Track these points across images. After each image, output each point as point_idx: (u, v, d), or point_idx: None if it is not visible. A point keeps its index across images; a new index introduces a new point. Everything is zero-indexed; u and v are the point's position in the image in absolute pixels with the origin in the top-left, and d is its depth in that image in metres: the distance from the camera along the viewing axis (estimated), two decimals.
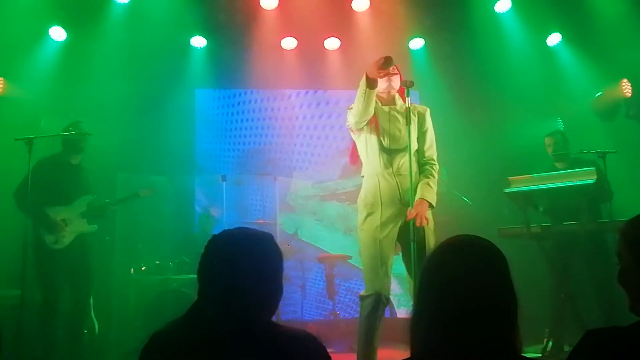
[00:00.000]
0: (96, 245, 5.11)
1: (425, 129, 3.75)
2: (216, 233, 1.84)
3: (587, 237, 4.61)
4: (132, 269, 5.91)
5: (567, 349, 4.85)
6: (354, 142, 3.83)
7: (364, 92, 3.45)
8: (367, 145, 3.66)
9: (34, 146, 4.66)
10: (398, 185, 3.58)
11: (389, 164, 3.61)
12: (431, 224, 3.59)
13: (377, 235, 3.53)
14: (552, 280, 4.93)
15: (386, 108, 3.68)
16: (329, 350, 1.75)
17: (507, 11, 6.80)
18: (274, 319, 1.81)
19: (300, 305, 6.51)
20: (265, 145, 7.36)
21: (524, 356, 1.53)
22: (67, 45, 6.55)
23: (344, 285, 6.57)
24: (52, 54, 6.52)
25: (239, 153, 7.30)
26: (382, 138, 3.61)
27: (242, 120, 7.51)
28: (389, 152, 3.61)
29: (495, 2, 6.75)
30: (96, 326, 5.36)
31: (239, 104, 7.56)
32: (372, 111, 3.55)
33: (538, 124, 6.54)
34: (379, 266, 3.49)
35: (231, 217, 6.25)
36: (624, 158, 5.46)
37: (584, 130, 6.23)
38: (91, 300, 5.26)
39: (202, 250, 1.79)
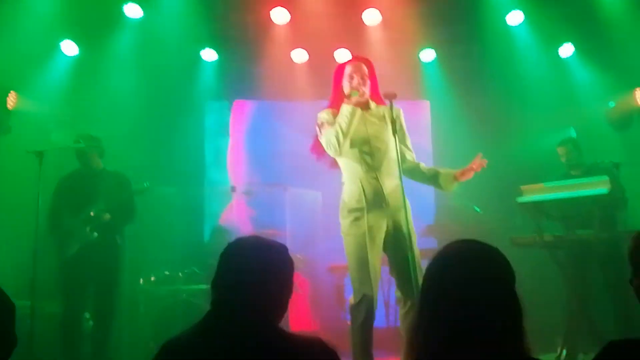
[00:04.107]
0: (105, 256, 5.04)
1: (404, 129, 3.75)
2: (230, 242, 1.85)
3: (601, 246, 4.56)
4: (141, 280, 5.90)
5: (581, 357, 4.80)
6: (316, 137, 3.75)
7: (351, 113, 3.45)
8: (344, 153, 3.55)
9: (44, 158, 4.70)
10: (382, 188, 3.52)
11: (371, 167, 3.54)
12: (414, 237, 3.49)
13: (364, 240, 3.45)
14: (565, 289, 4.87)
15: (359, 112, 3.57)
16: None
17: (519, 23, 6.77)
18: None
19: (310, 315, 6.47)
20: (275, 156, 7.36)
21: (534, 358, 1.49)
22: (78, 59, 6.61)
23: None
24: (63, 68, 6.58)
25: (249, 164, 7.30)
26: (359, 143, 3.54)
27: (252, 132, 7.53)
28: (371, 156, 3.54)
29: (507, 14, 6.72)
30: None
31: (249, 116, 7.58)
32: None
33: (551, 134, 6.50)
34: (368, 271, 3.41)
35: (241, 227, 6.23)
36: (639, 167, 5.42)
37: (598, 140, 6.18)
38: None
39: (211, 261, 1.80)
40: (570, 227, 4.86)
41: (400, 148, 3.56)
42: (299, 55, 7.21)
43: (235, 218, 6.16)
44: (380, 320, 6.27)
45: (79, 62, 6.62)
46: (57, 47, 6.50)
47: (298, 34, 6.94)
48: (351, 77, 3.62)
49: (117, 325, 5.48)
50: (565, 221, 4.97)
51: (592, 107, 6.64)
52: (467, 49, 7.08)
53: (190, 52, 6.99)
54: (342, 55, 7.25)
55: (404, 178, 3.54)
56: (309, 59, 7.26)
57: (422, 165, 3.76)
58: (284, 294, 1.80)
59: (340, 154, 3.53)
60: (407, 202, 3.44)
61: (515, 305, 1.50)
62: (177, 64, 6.90)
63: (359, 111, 3.52)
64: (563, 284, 4.84)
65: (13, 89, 6.01)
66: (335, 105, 3.69)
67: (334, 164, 3.76)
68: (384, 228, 3.54)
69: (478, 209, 6.30)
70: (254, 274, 1.74)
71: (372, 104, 3.70)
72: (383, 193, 3.52)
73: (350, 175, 3.61)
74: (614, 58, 6.43)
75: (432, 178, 3.69)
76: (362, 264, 3.44)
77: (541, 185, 4.68)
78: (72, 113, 6.32)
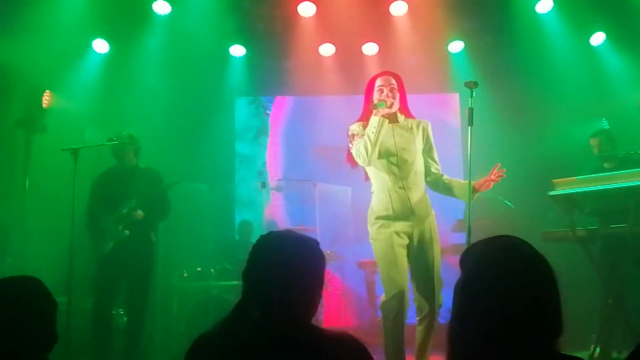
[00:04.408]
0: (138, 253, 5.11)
1: (431, 142, 3.85)
2: (263, 235, 1.86)
3: (636, 240, 4.47)
4: (174, 276, 5.99)
5: (615, 355, 4.72)
6: (349, 148, 3.84)
7: (379, 124, 3.56)
8: (375, 163, 3.68)
9: (79, 156, 4.78)
10: (409, 198, 3.63)
11: (398, 178, 3.65)
12: (437, 247, 3.67)
13: (391, 241, 3.58)
14: (599, 285, 4.79)
15: (389, 125, 3.69)
16: None
17: (549, 12, 6.67)
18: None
19: (341, 311, 6.49)
20: (304, 151, 7.38)
21: (566, 354, 1.48)
22: (109, 57, 6.72)
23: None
24: (95, 66, 6.70)
25: (279, 160, 7.34)
26: (388, 154, 3.66)
27: (281, 127, 7.56)
28: (398, 167, 3.66)
29: (537, 3, 6.62)
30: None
31: (278, 111, 7.61)
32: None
33: (583, 125, 6.40)
34: (397, 270, 3.54)
35: (271, 223, 6.28)
36: None
37: (632, 130, 6.06)
38: None
39: (243, 257, 1.80)
40: (604, 221, 4.78)
41: (426, 161, 3.78)
42: (327, 49, 7.21)
43: (266, 214, 6.20)
44: (413, 317, 6.30)
45: (110, 60, 6.73)
46: (89, 46, 6.60)
47: (325, 27, 6.93)
48: (381, 91, 3.73)
49: (151, 321, 5.57)
50: (599, 215, 4.90)
51: (625, 96, 6.52)
52: (495, 39, 7.01)
53: (219, 47, 7.03)
54: (370, 49, 7.23)
55: (428, 190, 3.78)
56: (336, 53, 7.24)
57: (445, 177, 3.84)
58: (316, 290, 1.79)
59: (369, 163, 3.65)
60: (432, 212, 3.68)
61: (553, 302, 1.49)
62: (206, 60, 6.96)
63: (386, 122, 3.62)
64: (597, 280, 4.76)
65: (48, 88, 6.11)
66: (365, 118, 3.78)
67: (367, 176, 3.86)
68: (409, 237, 3.65)
69: (509, 204, 6.23)
70: (286, 268, 1.74)
71: (401, 117, 3.81)
72: (410, 203, 3.63)
73: (378, 184, 3.72)
74: None
75: (451, 190, 3.79)
76: (391, 263, 3.56)
77: (574, 178, 4.61)
78: (105, 110, 6.43)
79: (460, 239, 5.78)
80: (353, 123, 3.85)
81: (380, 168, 3.69)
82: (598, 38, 6.81)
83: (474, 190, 3.66)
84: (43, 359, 1.92)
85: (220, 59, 7.14)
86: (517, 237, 1.59)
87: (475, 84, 3.66)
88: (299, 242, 1.82)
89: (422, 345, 3.59)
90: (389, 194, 3.65)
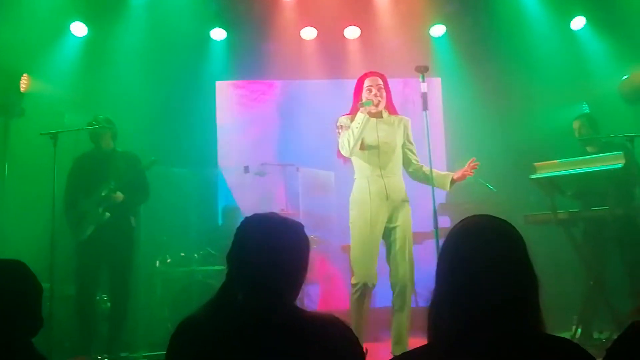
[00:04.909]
0: (118, 236, 5.07)
1: (410, 136, 4.30)
2: (247, 217, 1.85)
3: (617, 222, 4.53)
4: (157, 262, 5.96)
5: (596, 335, 4.81)
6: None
7: (362, 121, 3.97)
8: (356, 153, 4.11)
9: (58, 140, 4.73)
10: (385, 186, 4.07)
11: (377, 167, 4.09)
12: (409, 231, 4.14)
13: (366, 231, 4.03)
14: (581, 267, 4.86)
15: (373, 120, 4.11)
16: None
17: None
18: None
19: (324, 295, 6.52)
20: (287, 135, 7.36)
21: (549, 334, 1.50)
22: (88, 40, 6.60)
23: None
24: (73, 49, 6.57)
25: (261, 144, 7.31)
26: (370, 146, 4.09)
27: (263, 111, 7.52)
28: (378, 157, 4.10)
29: None
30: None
31: (259, 94, 7.57)
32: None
33: (563, 109, 6.45)
34: (367, 260, 4.02)
35: (254, 208, 6.25)
36: None
37: (612, 114, 6.11)
38: None
39: (226, 242, 1.80)
40: (585, 204, 4.84)
41: (407, 153, 4.26)
42: (308, 33, 7.16)
43: (248, 199, 6.17)
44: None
45: (88, 43, 6.60)
46: (67, 29, 6.48)
47: (307, 10, 6.89)
48: (369, 90, 4.16)
49: (134, 307, 5.55)
50: (580, 198, 4.96)
51: (605, 80, 6.55)
52: (476, 22, 7.01)
53: (199, 31, 6.95)
54: (352, 32, 7.20)
55: (409, 180, 4.31)
56: (318, 36, 7.20)
57: (425, 167, 4.21)
58: (300, 272, 1.79)
59: (350, 154, 4.09)
60: (407, 199, 4.16)
61: (529, 277, 1.51)
62: (186, 44, 6.87)
63: (370, 120, 4.04)
64: (579, 262, 4.82)
65: (25, 72, 6.01)
66: (353, 112, 4.18)
67: (345, 160, 4.29)
68: (384, 219, 4.07)
69: (492, 187, 6.27)
70: (271, 250, 1.73)
71: (385, 113, 4.24)
72: (386, 190, 4.07)
73: (359, 172, 4.18)
74: (627, 30, 6.35)
75: (430, 179, 4.11)
76: (363, 251, 4.04)
77: (555, 161, 4.66)
78: (84, 94, 6.32)
79: (442, 223, 5.80)
80: (342, 115, 4.23)
81: (361, 157, 4.12)
82: (578, 22, 6.84)
83: (452, 180, 4.16)
84: (28, 344, 1.90)
85: (200, 43, 7.05)
86: (490, 215, 1.61)
87: (426, 68, 4.05)
88: (283, 224, 1.81)
89: (399, 326, 4.03)
90: (368, 181, 4.09)
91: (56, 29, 6.41)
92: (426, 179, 4.17)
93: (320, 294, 6.53)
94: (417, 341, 1.59)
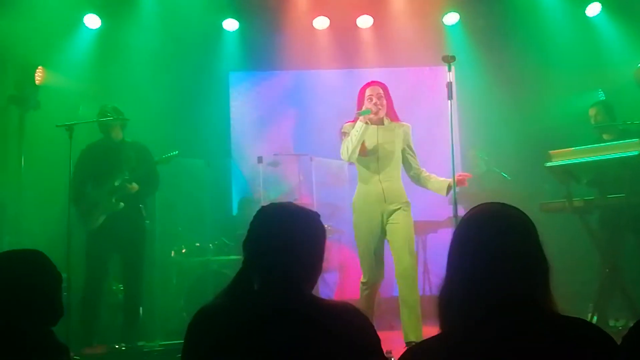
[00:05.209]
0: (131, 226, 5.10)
1: (411, 144, 4.46)
2: (264, 205, 1.86)
3: (632, 210, 4.50)
4: (172, 252, 6.00)
5: (612, 323, 4.78)
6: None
7: (360, 129, 4.14)
8: (358, 159, 4.31)
9: (74, 132, 4.76)
10: (383, 190, 4.26)
11: (376, 173, 4.29)
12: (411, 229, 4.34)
13: (369, 233, 4.27)
14: (596, 255, 4.82)
15: (374, 127, 4.31)
16: None
17: None
18: None
19: (339, 285, 6.53)
20: (300, 125, 7.35)
21: (564, 315, 1.49)
22: (102, 32, 6.63)
23: None
24: (87, 41, 6.61)
25: (275, 134, 7.31)
26: (371, 151, 4.28)
27: (276, 102, 7.52)
28: (378, 163, 4.29)
29: None
30: (140, 308, 5.48)
31: (272, 85, 7.57)
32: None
33: (579, 96, 6.39)
34: (372, 259, 4.26)
35: (268, 198, 6.27)
36: None
37: (628, 101, 6.04)
38: None
39: (241, 232, 1.81)
40: (601, 192, 4.80)
41: (407, 158, 4.43)
42: (321, 23, 7.14)
43: (262, 189, 6.19)
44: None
45: (102, 35, 6.64)
46: (81, 21, 6.51)
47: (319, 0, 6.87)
48: (370, 99, 4.34)
49: (150, 297, 5.60)
50: (596, 185, 4.92)
51: (621, 67, 6.48)
52: (490, 9, 6.96)
53: (212, 21, 6.96)
54: (365, 22, 7.17)
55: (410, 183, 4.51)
56: (330, 26, 7.17)
57: (424, 172, 4.46)
58: (316, 261, 1.80)
59: (348, 159, 4.31)
60: (407, 200, 4.33)
61: (541, 264, 1.51)
62: (199, 35, 6.89)
63: (369, 127, 4.22)
64: (594, 250, 4.79)
65: (40, 65, 6.06)
66: (356, 120, 4.33)
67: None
68: (385, 221, 4.28)
69: (507, 176, 6.24)
70: (288, 239, 1.74)
71: (387, 120, 4.41)
72: (384, 193, 4.26)
73: (360, 177, 4.40)
74: None
75: (428, 184, 4.44)
76: (367, 252, 4.28)
77: (570, 149, 4.63)
78: (98, 86, 6.37)
79: (459, 212, 5.78)
80: (346, 122, 4.42)
81: (361, 163, 4.34)
82: (594, 9, 6.77)
83: (449, 186, 4.30)
84: (48, 332, 1.93)
85: (213, 34, 7.06)
86: (500, 202, 1.61)
87: (453, 58, 4.17)
88: (300, 213, 1.82)
89: (409, 316, 4.16)
90: (367, 186, 4.31)
91: (70, 21, 6.45)
92: (425, 183, 4.45)
93: (333, 278, 6.54)
94: (433, 328, 1.60)
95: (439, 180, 4.38)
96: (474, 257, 1.51)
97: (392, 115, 4.46)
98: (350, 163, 4.44)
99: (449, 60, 4.14)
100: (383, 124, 4.39)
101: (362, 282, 4.32)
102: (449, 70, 4.15)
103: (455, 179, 4.23)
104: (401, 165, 4.41)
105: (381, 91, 4.38)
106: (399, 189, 4.34)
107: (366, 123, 4.19)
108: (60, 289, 1.97)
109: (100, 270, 5.01)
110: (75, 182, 4.98)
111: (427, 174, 4.42)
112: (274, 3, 6.90)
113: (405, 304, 4.18)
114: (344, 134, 4.33)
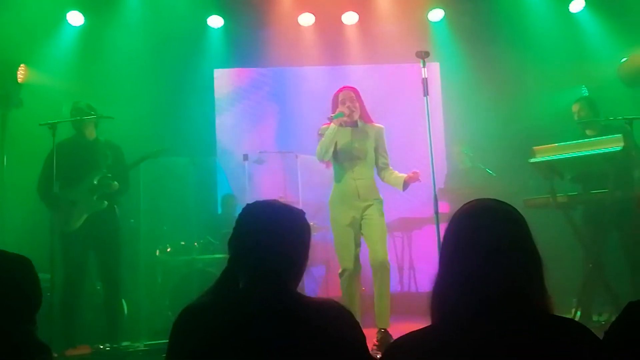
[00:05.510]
0: (121, 227, 5.07)
1: (383, 144, 4.69)
2: (249, 203, 1.86)
3: (616, 205, 4.53)
4: (157, 251, 5.97)
5: (595, 318, 4.82)
6: None
7: (333, 131, 4.43)
8: (333, 159, 4.58)
9: (57, 130, 4.71)
10: (357, 188, 4.50)
11: (350, 171, 4.53)
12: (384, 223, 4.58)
13: (343, 227, 4.49)
14: (580, 250, 4.86)
15: (348, 129, 4.57)
16: None
17: None
18: None
19: (325, 281, 6.53)
20: (286, 122, 7.35)
21: (556, 315, 1.51)
22: (85, 29, 6.58)
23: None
24: (70, 39, 6.56)
25: (260, 131, 7.29)
26: (346, 152, 4.52)
27: (261, 99, 7.50)
28: (353, 161, 4.53)
29: None
30: (125, 308, 5.45)
31: (257, 82, 7.55)
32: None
33: (563, 92, 6.43)
34: (347, 250, 4.48)
35: (254, 195, 6.25)
36: None
37: (611, 97, 6.10)
38: None
39: (226, 230, 1.80)
40: (584, 187, 4.84)
41: (377, 157, 4.65)
42: (306, 19, 7.13)
43: (248, 187, 6.17)
44: (394, 286, 6.37)
45: (85, 33, 6.59)
46: (64, 18, 6.46)
47: None
48: (343, 103, 4.56)
49: (135, 297, 5.56)
50: (580, 181, 4.96)
51: (604, 63, 6.54)
52: (475, 6, 7.00)
53: (196, 18, 6.93)
54: (350, 18, 7.16)
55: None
56: (315, 22, 7.17)
57: (389, 170, 4.67)
58: (301, 259, 1.80)
59: (322, 159, 4.55)
60: (380, 197, 4.56)
61: (535, 259, 1.52)
62: (184, 31, 6.85)
63: (345, 129, 4.54)
64: (578, 245, 4.83)
65: (22, 62, 6.00)
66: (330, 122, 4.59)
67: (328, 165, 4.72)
68: (358, 216, 4.51)
69: (491, 172, 6.27)
70: (273, 236, 1.74)
71: (360, 122, 4.66)
72: (357, 190, 4.50)
73: (336, 176, 4.64)
74: (625, 12, 6.32)
75: (388, 180, 4.65)
76: (342, 245, 4.51)
77: (554, 145, 4.66)
78: (82, 84, 6.30)
79: (441, 208, 5.80)
80: (323, 124, 4.62)
81: (336, 162, 4.58)
82: (577, 5, 6.81)
83: (404, 182, 4.51)
84: (29, 332, 1.90)
85: (198, 31, 7.04)
86: (491, 199, 1.62)
87: (427, 53, 4.21)
88: (285, 211, 1.82)
89: (381, 301, 4.43)
90: (344, 183, 4.54)
91: (52, 18, 6.40)
92: (388, 180, 4.65)
93: (318, 275, 6.54)
94: (416, 325, 1.60)
95: (397, 176, 4.58)
96: (468, 252, 1.51)
97: (366, 118, 4.69)
98: (326, 163, 4.65)
99: (422, 56, 4.20)
100: (357, 126, 4.64)
101: (340, 273, 4.51)
102: (423, 66, 4.21)
103: (407, 177, 4.47)
104: (374, 164, 4.64)
105: (353, 95, 4.63)
106: (371, 186, 4.57)
107: (340, 125, 4.48)
108: (32, 274, 1.94)
109: (78, 270, 4.90)
110: (42, 181, 4.89)
111: (391, 171, 4.64)
112: (258, 0, 6.88)
113: (379, 294, 4.43)
114: (320, 136, 4.58)
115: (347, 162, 4.54)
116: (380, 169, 4.69)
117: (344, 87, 4.70)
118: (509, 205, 1.60)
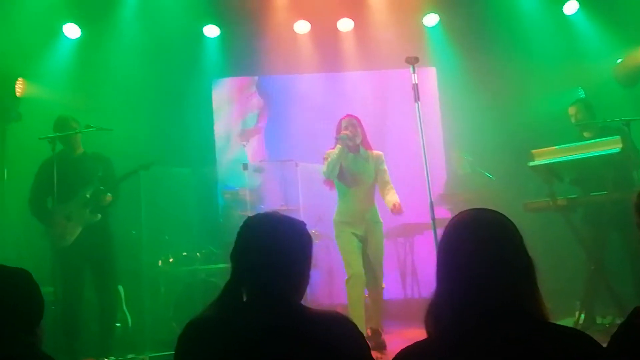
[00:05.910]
0: (123, 239, 5.08)
1: (383, 167, 5.05)
2: (250, 216, 1.86)
3: (616, 206, 4.54)
4: (160, 261, 5.97)
5: (599, 320, 4.82)
6: None
7: (339, 151, 4.85)
8: (337, 179, 4.96)
9: (56, 144, 4.72)
10: (359, 210, 4.92)
11: (354, 193, 4.95)
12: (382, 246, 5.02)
13: (349, 237, 4.84)
14: (582, 252, 4.86)
15: (352, 154, 4.98)
16: None
17: None
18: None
19: (328, 289, 6.53)
20: (284, 130, 7.36)
21: (555, 324, 1.51)
22: (81, 42, 6.59)
23: None
24: (67, 51, 6.57)
25: (259, 140, 7.30)
26: (348, 175, 4.92)
27: (260, 107, 7.51)
28: (355, 184, 4.94)
29: None
30: (129, 319, 5.45)
31: (255, 91, 7.56)
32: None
33: (559, 95, 6.44)
34: (353, 256, 4.80)
35: (254, 205, 6.27)
36: None
37: (607, 98, 6.11)
38: (122, 293, 5.38)
39: (228, 240, 1.80)
40: (584, 190, 4.85)
41: (379, 181, 5.01)
42: (302, 27, 7.15)
43: (248, 196, 6.18)
44: (397, 292, 6.36)
45: (82, 45, 6.60)
46: (60, 31, 6.47)
47: (299, 4, 6.89)
48: (346, 128, 4.95)
49: (139, 308, 5.56)
50: (579, 184, 4.97)
51: (600, 64, 6.55)
52: (470, 10, 7.01)
53: (193, 28, 6.94)
54: (345, 25, 7.18)
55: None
56: (311, 30, 7.18)
57: (387, 189, 4.98)
58: (304, 271, 1.80)
59: (328, 177, 4.94)
60: (381, 221, 4.99)
61: (529, 270, 1.53)
62: (181, 42, 6.87)
63: (345, 150, 4.92)
64: (579, 248, 4.83)
65: (20, 76, 6.00)
66: (335, 146, 4.98)
67: (332, 186, 5.10)
68: (360, 234, 4.88)
69: (491, 176, 6.28)
70: (273, 251, 1.74)
71: (362, 149, 5.03)
72: (361, 212, 4.91)
73: (340, 196, 5.04)
74: (620, 13, 6.34)
75: (383, 197, 5.00)
76: (349, 252, 4.82)
77: (553, 148, 4.67)
78: (80, 97, 6.30)
79: (441, 213, 5.81)
80: (328, 150, 5.00)
81: (341, 184, 4.98)
82: (572, 7, 6.83)
83: (392, 208, 4.80)
84: (31, 345, 1.90)
85: (194, 41, 7.05)
86: (483, 208, 1.63)
87: (416, 59, 4.22)
88: (286, 223, 1.82)
89: (375, 306, 4.93)
90: (347, 205, 4.96)
91: (49, 31, 6.40)
92: (386, 202, 4.94)
93: (322, 283, 6.54)
94: (420, 331, 1.61)
95: (388, 200, 4.91)
96: (458, 268, 1.53)
97: (366, 145, 5.07)
98: (330, 185, 5.04)
99: (412, 62, 4.21)
100: (359, 152, 5.03)
101: (347, 280, 4.76)
102: (413, 72, 4.22)
103: (391, 208, 4.79)
104: (375, 186, 5.04)
105: (355, 122, 5.01)
106: (373, 208, 4.99)
107: (345, 147, 4.89)
108: (31, 283, 1.95)
109: (76, 284, 4.90)
110: (33, 196, 4.93)
111: (388, 189, 4.99)
112: (254, 8, 6.89)
113: (372, 299, 4.93)
114: (325, 159, 4.93)
115: (350, 183, 4.95)
116: (381, 187, 5.04)
117: (347, 115, 5.06)
118: (498, 214, 1.60)
